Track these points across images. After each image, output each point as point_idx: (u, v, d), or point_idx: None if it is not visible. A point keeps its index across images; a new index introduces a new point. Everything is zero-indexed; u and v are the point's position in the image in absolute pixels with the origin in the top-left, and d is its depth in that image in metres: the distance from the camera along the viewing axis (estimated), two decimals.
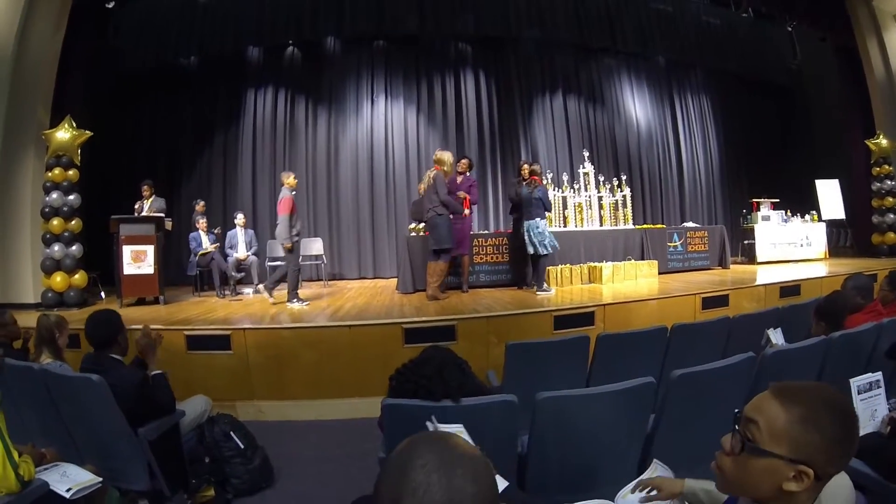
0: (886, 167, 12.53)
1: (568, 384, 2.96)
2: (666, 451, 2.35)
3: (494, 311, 5.97)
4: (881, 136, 12.59)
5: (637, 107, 14.07)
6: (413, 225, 8.90)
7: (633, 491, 1.76)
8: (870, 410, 2.61)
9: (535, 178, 7.55)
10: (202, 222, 8.68)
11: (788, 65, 13.96)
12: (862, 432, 2.34)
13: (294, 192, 7.07)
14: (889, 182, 12.54)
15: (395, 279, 8.79)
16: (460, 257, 7.74)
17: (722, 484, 1.21)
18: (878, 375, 2.69)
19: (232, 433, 3.57)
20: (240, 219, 8.82)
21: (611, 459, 2.43)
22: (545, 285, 7.47)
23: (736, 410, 1.18)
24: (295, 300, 6.88)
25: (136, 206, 8.10)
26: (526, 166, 7.81)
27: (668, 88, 14.58)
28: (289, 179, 7.03)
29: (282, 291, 7.25)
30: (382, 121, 11.71)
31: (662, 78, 14.48)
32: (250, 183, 11.06)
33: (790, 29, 13.21)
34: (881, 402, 2.67)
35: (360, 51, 11.75)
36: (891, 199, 12.53)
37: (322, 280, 10.18)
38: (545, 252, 7.36)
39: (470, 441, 1.45)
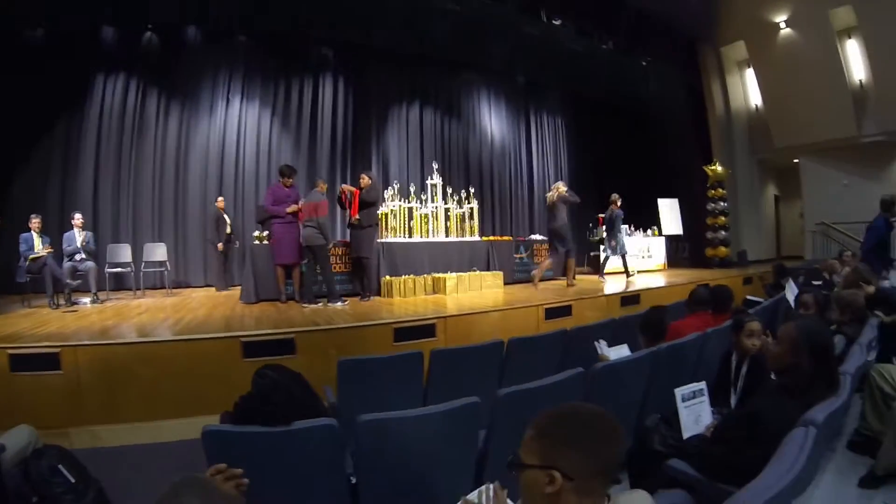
0: (720, 190, 14.93)
1: (404, 401, 3.09)
2: (499, 464, 2.48)
3: (334, 323, 6.16)
4: (717, 164, 15.08)
5: (493, 122, 15.12)
6: (258, 233, 9.05)
7: None
8: (693, 416, 3.00)
9: (614, 205, 11.27)
10: (35, 222, 8.13)
11: (641, 95, 15.54)
12: (686, 435, 2.94)
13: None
14: (722, 203, 14.95)
15: (240, 288, 8.92)
16: (291, 268, 8.18)
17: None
18: (702, 385, 3.11)
19: (60, 467, 3.23)
20: (77, 219, 8.45)
21: (445, 477, 2.50)
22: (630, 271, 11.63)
23: None
24: (339, 301, 7.88)
25: None
26: (365, 176, 8.50)
27: (525, 107, 15.86)
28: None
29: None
30: (236, 121, 11.68)
31: (520, 97, 15.67)
32: (92, 179, 10.46)
33: (644, 63, 14.76)
34: (705, 408, 3.07)
35: (220, 44, 11.60)
36: (723, 218, 14.95)
37: (165, 288, 9.90)
38: (622, 252, 11.38)
39: None
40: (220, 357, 5.26)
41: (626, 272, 11.68)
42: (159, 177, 11.05)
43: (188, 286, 11.00)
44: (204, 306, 7.96)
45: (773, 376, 2.88)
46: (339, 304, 7.79)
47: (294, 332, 5.65)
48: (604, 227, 12.00)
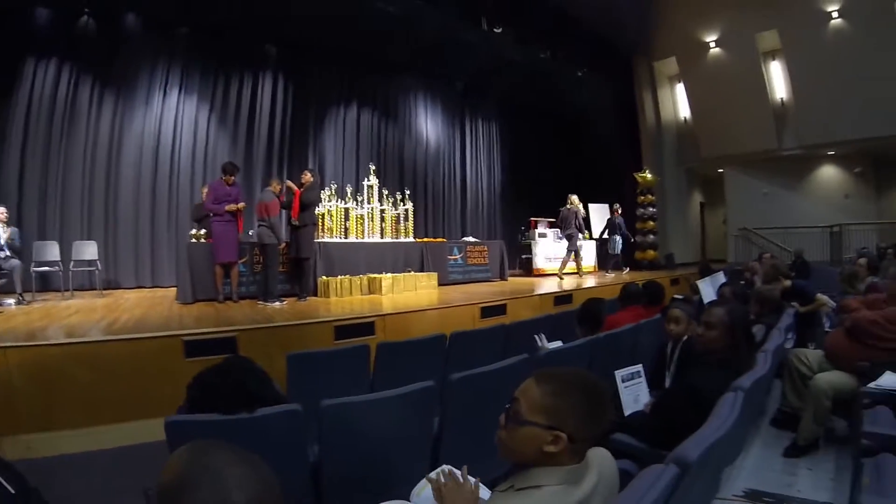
0: (650, 196, 15.73)
1: (352, 392, 3.05)
2: (454, 447, 2.73)
3: (275, 321, 6.08)
4: (647, 171, 15.72)
5: (429, 126, 15.34)
6: (194, 231, 8.88)
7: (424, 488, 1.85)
8: (633, 396, 3.26)
9: (616, 213, 13.98)
10: None
11: (576, 103, 16.08)
12: (626, 412, 3.16)
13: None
14: (651, 209, 15.76)
15: (175, 288, 8.65)
16: (230, 266, 8.04)
17: (501, 452, 1.46)
18: (639, 367, 3.38)
19: None
20: (1, 213, 7.81)
21: (403, 460, 2.60)
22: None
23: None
24: (277, 300, 7.82)
25: None
26: (307, 173, 8.53)
27: (461, 111, 16.15)
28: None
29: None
30: (173, 116, 11.21)
31: (457, 101, 15.93)
32: (17, 171, 9.64)
33: (580, 74, 15.27)
34: (642, 388, 3.33)
35: (160, 34, 11.09)
36: (651, 223, 15.83)
37: (96, 289, 9.30)
38: (616, 252, 13.95)
39: None
40: (162, 357, 5.05)
41: (620, 268, 14.29)
42: (90, 170, 10.39)
43: (119, 287, 10.47)
44: (139, 306, 7.66)
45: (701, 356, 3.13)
46: (277, 303, 7.77)
47: (236, 331, 5.52)
48: (606, 230, 14.40)
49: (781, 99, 15.86)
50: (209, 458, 0.90)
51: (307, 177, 8.48)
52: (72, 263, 9.09)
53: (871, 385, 3.34)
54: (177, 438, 2.08)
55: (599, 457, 1.48)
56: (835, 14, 13.96)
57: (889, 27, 13.26)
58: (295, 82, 12.88)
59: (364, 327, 6.36)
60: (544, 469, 1.37)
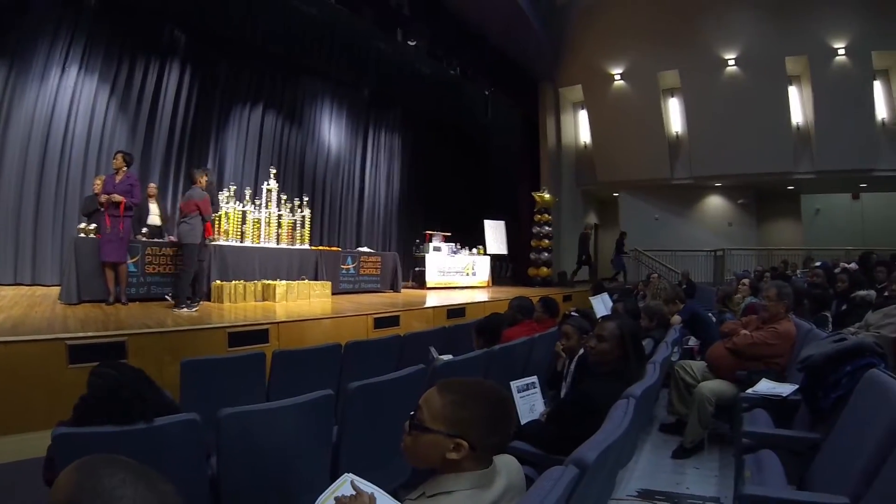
0: (546, 216, 16.41)
1: (248, 400, 2.92)
2: (353, 457, 2.75)
3: (167, 326, 5.82)
4: (545, 191, 16.42)
5: (332, 132, 15.35)
6: (83, 225, 8.27)
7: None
8: (528, 405, 3.40)
9: (623, 236, 17.28)
10: None
11: (480, 121, 16.56)
12: (523, 421, 3.26)
13: None
14: (547, 227, 16.42)
15: (58, 287, 8.16)
16: (116, 266, 7.61)
17: (407, 458, 1.52)
18: (534, 378, 3.55)
19: None
20: None
21: (303, 470, 2.60)
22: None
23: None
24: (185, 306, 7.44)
25: None
26: (205, 175, 8.17)
27: (366, 120, 16.28)
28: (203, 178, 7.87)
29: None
30: (69, 95, 10.20)
31: (362, 109, 16.02)
32: None
33: (487, 93, 15.79)
34: (538, 398, 3.48)
35: (65, 4, 10.14)
36: (546, 241, 16.51)
37: None
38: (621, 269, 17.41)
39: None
40: (43, 363, 4.60)
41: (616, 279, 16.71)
42: None
43: None
44: (17, 305, 7.10)
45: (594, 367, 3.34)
46: (186, 310, 7.42)
47: (126, 335, 5.19)
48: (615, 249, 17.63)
49: (676, 133, 17.27)
50: (100, 479, 0.86)
51: (204, 180, 8.14)
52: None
53: (749, 391, 3.79)
54: (65, 453, 1.98)
55: (507, 462, 1.59)
56: (731, 62, 15.48)
57: (776, 79, 14.99)
58: (202, 74, 12.46)
59: (258, 334, 6.29)
60: (454, 475, 1.44)
